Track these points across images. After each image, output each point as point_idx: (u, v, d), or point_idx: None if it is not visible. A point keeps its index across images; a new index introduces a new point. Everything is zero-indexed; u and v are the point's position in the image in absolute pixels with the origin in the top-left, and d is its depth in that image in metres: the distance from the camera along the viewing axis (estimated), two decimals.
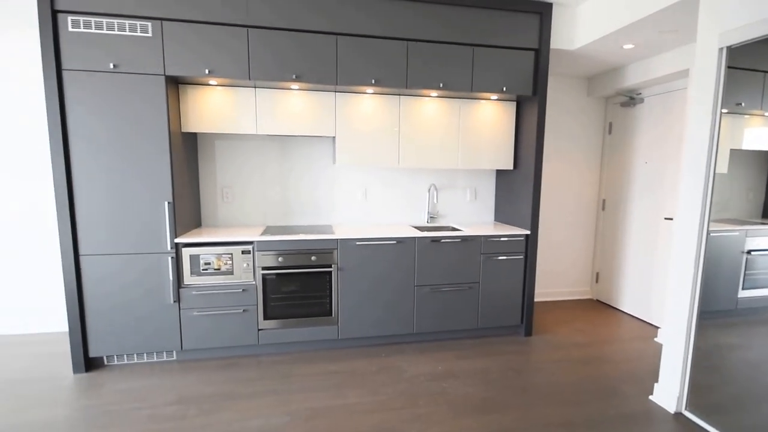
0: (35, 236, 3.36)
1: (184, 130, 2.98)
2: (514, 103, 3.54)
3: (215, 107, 3.00)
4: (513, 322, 3.44)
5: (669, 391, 2.44)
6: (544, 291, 4.48)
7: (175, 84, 2.90)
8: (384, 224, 3.69)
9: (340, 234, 3.09)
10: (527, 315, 3.44)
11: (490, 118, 3.50)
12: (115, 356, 2.91)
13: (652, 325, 3.80)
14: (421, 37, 3.02)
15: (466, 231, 3.32)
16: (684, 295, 2.34)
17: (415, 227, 3.54)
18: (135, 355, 2.93)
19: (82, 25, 2.55)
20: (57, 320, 3.47)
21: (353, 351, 3.16)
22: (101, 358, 2.90)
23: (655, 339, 3.47)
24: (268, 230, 3.23)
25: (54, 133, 2.58)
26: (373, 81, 3.01)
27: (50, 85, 2.54)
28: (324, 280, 3.07)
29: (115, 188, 2.71)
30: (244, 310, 2.96)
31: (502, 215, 3.86)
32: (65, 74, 2.57)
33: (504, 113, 3.52)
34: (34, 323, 3.44)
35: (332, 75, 2.95)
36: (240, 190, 3.49)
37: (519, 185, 3.53)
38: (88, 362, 2.82)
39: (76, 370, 2.78)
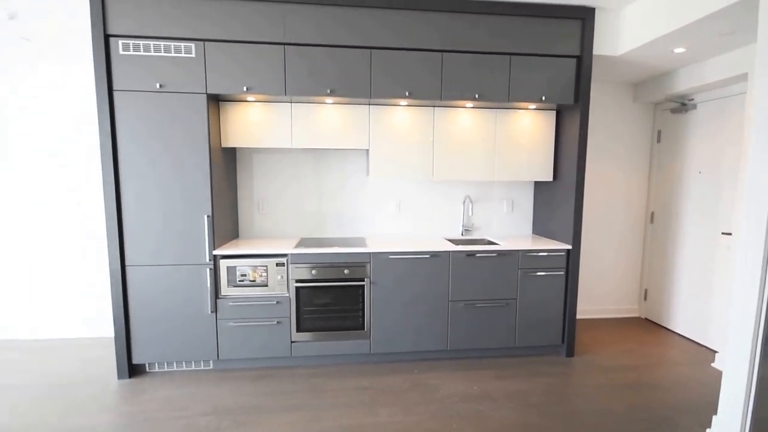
0: (86, 246, 3.57)
1: (223, 145, 3.07)
2: (554, 112, 3.41)
3: (253, 122, 3.08)
4: (553, 341, 3.27)
5: (729, 425, 2.22)
6: (587, 308, 4.24)
7: (216, 101, 3.00)
8: (417, 237, 3.64)
9: (372, 247, 3.07)
10: (569, 334, 3.27)
11: (529, 128, 3.39)
12: (156, 363, 3.01)
13: (708, 348, 3.50)
14: (456, 48, 2.97)
15: (503, 245, 3.21)
16: (748, 318, 2.12)
17: (450, 240, 3.46)
18: (174, 363, 3.02)
19: (131, 48, 2.70)
20: (105, 325, 3.64)
21: (385, 366, 3.12)
22: (143, 365, 3.01)
23: (713, 364, 3.19)
24: (302, 242, 3.26)
25: (105, 151, 2.73)
26: (406, 93, 2.99)
27: (102, 105, 2.69)
28: (356, 293, 3.05)
29: (158, 202, 2.83)
30: (277, 322, 2.98)
31: (540, 228, 3.71)
32: (116, 94, 2.72)
33: (543, 123, 3.40)
34: (85, 328, 3.64)
35: (366, 88, 2.96)
36: (276, 202, 3.56)
37: (559, 197, 3.39)
38: (131, 368, 2.94)
39: (120, 375, 2.90)
